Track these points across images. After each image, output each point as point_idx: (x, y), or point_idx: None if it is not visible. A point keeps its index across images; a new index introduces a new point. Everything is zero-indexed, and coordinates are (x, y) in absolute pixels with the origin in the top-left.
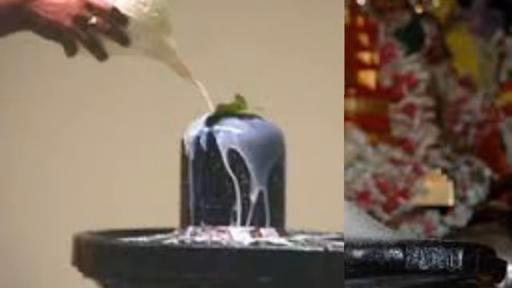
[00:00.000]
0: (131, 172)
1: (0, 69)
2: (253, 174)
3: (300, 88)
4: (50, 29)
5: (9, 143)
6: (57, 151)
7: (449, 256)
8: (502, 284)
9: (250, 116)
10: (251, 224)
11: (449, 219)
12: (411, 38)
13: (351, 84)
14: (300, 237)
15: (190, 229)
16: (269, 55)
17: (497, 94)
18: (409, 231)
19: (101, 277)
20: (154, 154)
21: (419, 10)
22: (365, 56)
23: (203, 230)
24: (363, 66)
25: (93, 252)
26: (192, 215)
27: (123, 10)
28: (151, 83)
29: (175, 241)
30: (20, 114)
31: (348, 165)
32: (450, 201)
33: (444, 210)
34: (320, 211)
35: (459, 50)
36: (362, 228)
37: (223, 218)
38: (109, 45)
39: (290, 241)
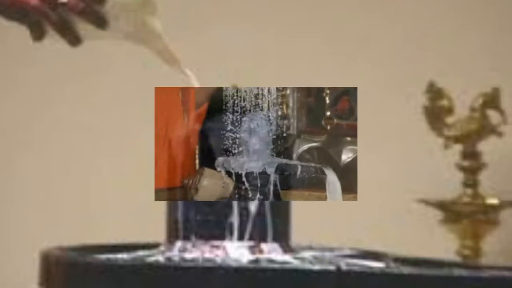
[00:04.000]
0: (110, 174)
1: None
2: None
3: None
4: (13, 9)
5: None
6: (23, 149)
7: None
8: None
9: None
10: (250, 238)
11: None
12: None
13: None
14: (307, 254)
15: (179, 244)
16: (269, 38)
17: None
18: None
19: None
20: (137, 153)
21: None
22: None
23: (193, 246)
24: None
25: (64, 271)
26: (180, 227)
27: None
28: (132, 72)
29: (160, 258)
30: None
31: None
32: None
33: None
34: (331, 223)
35: None
36: None
37: (217, 231)
38: (83, 27)
39: (296, 258)
